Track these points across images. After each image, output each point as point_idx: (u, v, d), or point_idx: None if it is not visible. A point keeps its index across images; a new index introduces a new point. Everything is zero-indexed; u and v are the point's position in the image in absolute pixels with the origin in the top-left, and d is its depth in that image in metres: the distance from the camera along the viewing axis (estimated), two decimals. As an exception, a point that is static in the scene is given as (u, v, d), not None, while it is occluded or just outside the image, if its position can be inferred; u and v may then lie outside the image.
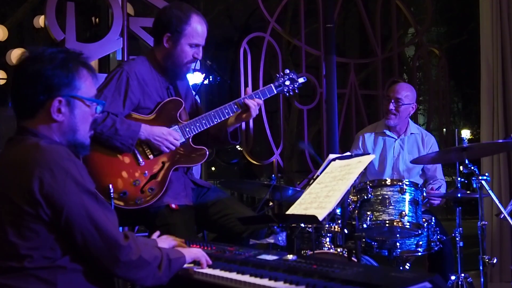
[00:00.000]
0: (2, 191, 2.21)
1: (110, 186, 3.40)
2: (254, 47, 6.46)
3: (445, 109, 7.92)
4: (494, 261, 3.97)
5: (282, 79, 3.93)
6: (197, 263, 2.53)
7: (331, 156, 3.36)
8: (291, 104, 7.57)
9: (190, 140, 3.70)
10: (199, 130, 3.69)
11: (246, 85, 6.10)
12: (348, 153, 3.49)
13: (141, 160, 3.55)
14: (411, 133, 4.97)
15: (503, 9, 6.32)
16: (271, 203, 4.34)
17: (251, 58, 6.22)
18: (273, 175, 4.28)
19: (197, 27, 3.65)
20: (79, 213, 2.18)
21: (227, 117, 3.74)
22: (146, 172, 3.55)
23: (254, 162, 6.36)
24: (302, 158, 7.38)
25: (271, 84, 3.90)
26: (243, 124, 5.93)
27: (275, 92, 3.90)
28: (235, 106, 3.75)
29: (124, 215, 3.37)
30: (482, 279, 4.00)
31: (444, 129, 7.93)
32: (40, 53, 2.31)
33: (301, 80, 4.00)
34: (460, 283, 4.07)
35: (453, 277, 4.11)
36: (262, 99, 3.84)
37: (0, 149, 5.27)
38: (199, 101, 4.08)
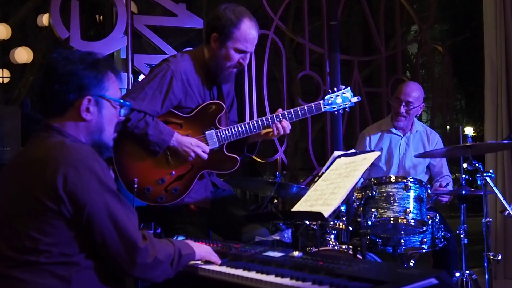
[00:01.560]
0: (25, 186, 2.23)
1: (135, 180, 3.40)
2: (257, 45, 6.42)
3: (448, 106, 7.93)
4: (499, 258, 3.97)
5: (334, 96, 3.75)
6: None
7: (336, 153, 3.36)
8: (294, 101, 7.56)
9: (224, 146, 3.60)
10: (235, 139, 3.58)
11: (250, 83, 6.11)
12: (353, 150, 3.49)
13: (170, 159, 3.51)
14: (416, 131, 4.97)
15: (506, 6, 6.31)
16: (275, 201, 4.34)
17: (255, 56, 6.22)
18: (277, 173, 4.28)
19: (247, 33, 3.50)
20: (101, 211, 2.21)
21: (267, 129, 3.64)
22: (173, 172, 3.51)
23: (258, 160, 6.37)
24: (305, 155, 7.39)
25: (320, 101, 3.74)
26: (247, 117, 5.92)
27: (323, 110, 3.74)
28: (278, 119, 3.61)
29: (143, 211, 3.38)
30: (486, 276, 4.00)
31: (448, 127, 7.93)
32: (71, 54, 2.38)
33: (354, 99, 3.79)
34: (464, 280, 4.07)
35: (457, 274, 4.11)
36: (308, 115, 3.71)
37: (4, 147, 5.26)
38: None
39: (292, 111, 3.66)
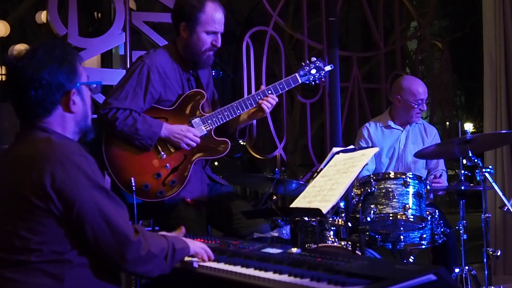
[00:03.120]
0: (12, 185, 2.22)
1: (132, 179, 3.41)
2: (256, 41, 6.45)
3: (448, 102, 7.91)
4: (498, 254, 3.97)
5: (307, 67, 3.86)
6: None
7: (335, 149, 3.36)
8: (294, 98, 7.58)
9: (212, 132, 3.67)
10: (221, 122, 3.66)
11: (249, 79, 6.10)
12: (351, 146, 3.49)
13: (162, 153, 3.54)
14: (415, 123, 4.97)
15: (505, 2, 6.30)
16: (274, 197, 4.34)
17: (254, 52, 6.22)
18: (276, 169, 4.28)
19: (213, 14, 3.58)
20: (90, 207, 2.20)
21: (250, 108, 3.71)
22: (168, 165, 3.55)
23: (257, 156, 6.37)
24: (305, 152, 7.37)
25: (296, 74, 3.85)
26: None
27: (300, 81, 3.85)
28: (258, 97, 3.71)
29: (139, 208, 3.40)
30: (486, 272, 4.01)
31: (447, 123, 7.92)
32: (35, 54, 2.33)
33: (327, 68, 3.92)
34: (464, 275, 4.07)
35: (457, 270, 4.11)
36: (287, 88, 3.81)
37: (3, 144, 5.26)
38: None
39: (271, 87, 3.77)
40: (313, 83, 3.91)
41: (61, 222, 2.19)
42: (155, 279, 2.43)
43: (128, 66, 5.40)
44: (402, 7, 8.10)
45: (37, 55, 2.33)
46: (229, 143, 3.69)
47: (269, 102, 3.72)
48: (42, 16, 9.93)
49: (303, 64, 3.89)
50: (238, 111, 3.68)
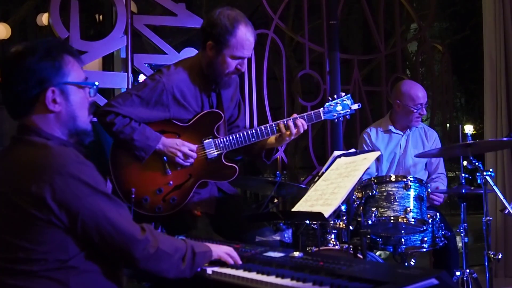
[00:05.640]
0: (9, 195, 2.16)
1: (133, 190, 3.39)
2: (257, 44, 6.38)
3: (448, 104, 7.92)
4: (499, 257, 3.98)
5: (334, 104, 3.74)
6: (222, 263, 2.51)
7: (336, 153, 3.36)
8: (294, 101, 7.56)
9: (223, 156, 3.59)
10: (233, 148, 3.57)
11: (250, 82, 6.10)
12: (353, 150, 3.49)
13: (168, 169, 3.50)
14: (415, 128, 4.99)
15: (505, 4, 6.32)
16: (276, 200, 4.33)
17: (255, 55, 6.22)
18: (277, 172, 4.28)
19: (243, 39, 3.45)
20: (94, 215, 2.17)
21: (265, 137, 3.61)
22: (171, 182, 3.51)
23: (258, 159, 6.36)
24: (305, 154, 7.37)
25: (320, 109, 3.71)
26: (247, 122, 5.91)
27: (323, 118, 3.71)
28: (276, 128, 3.59)
29: (148, 216, 3.39)
30: (487, 275, 4.01)
31: (448, 125, 7.93)
32: (22, 48, 2.29)
33: (354, 107, 3.76)
34: (465, 278, 4.08)
35: (458, 273, 4.12)
36: (308, 124, 3.68)
37: (3, 146, 5.27)
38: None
39: (291, 120, 3.63)
40: (336, 120, 3.78)
41: (64, 232, 2.16)
42: (158, 283, 2.42)
43: (130, 69, 5.42)
44: (402, 10, 8.10)
45: (24, 46, 2.28)
46: (237, 169, 3.61)
47: (297, 125, 3.59)
48: (43, 19, 9.94)
49: (330, 98, 3.76)
50: (253, 139, 3.57)
